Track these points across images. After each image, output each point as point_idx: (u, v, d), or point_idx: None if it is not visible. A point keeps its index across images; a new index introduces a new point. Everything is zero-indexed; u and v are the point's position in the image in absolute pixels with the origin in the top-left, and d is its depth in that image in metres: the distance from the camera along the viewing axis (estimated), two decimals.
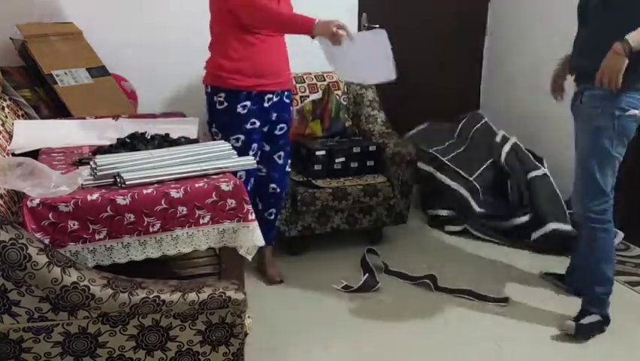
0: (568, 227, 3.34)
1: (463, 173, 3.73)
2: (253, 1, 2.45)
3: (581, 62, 2.50)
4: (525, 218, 3.45)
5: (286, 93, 2.76)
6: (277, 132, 2.78)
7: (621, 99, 2.33)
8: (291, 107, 2.84)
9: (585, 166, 2.47)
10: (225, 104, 2.60)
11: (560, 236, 3.32)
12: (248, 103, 2.61)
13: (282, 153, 2.83)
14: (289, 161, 2.90)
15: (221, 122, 2.64)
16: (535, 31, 4.00)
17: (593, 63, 2.30)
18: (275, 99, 2.70)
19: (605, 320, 2.57)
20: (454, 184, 3.68)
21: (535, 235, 3.39)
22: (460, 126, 4.14)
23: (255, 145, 2.66)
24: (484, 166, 3.84)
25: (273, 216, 2.93)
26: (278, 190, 2.88)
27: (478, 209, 3.57)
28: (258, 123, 2.66)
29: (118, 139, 2.19)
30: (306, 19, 2.41)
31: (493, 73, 4.43)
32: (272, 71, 2.64)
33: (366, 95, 3.66)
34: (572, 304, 2.71)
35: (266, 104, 2.68)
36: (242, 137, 2.62)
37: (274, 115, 2.73)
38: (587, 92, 2.43)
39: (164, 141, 2.22)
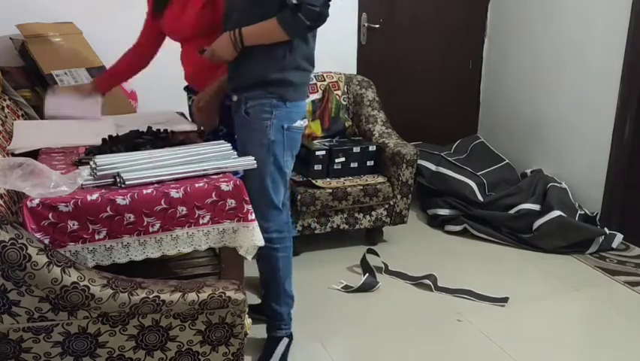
0: (574, 220, 3.38)
1: (469, 169, 3.78)
2: None
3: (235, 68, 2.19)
4: (535, 206, 3.51)
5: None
6: None
7: (289, 111, 2.16)
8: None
9: (261, 187, 2.18)
10: None
11: (564, 226, 3.35)
12: None
13: None
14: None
15: None
16: (537, 36, 4.00)
17: (249, 68, 2.12)
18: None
19: (290, 337, 2.40)
20: (459, 176, 3.72)
21: (538, 223, 3.41)
22: (455, 145, 4.19)
23: None
24: (495, 167, 3.89)
25: None
26: None
27: (481, 199, 3.60)
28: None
29: (103, 139, 2.20)
30: None
31: (492, 76, 4.42)
32: None
33: (366, 95, 3.67)
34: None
35: None
36: None
37: None
38: (252, 103, 2.15)
39: (156, 139, 2.21)
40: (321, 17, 2.05)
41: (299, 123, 2.21)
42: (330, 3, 2.06)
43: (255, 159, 2.05)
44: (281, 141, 2.17)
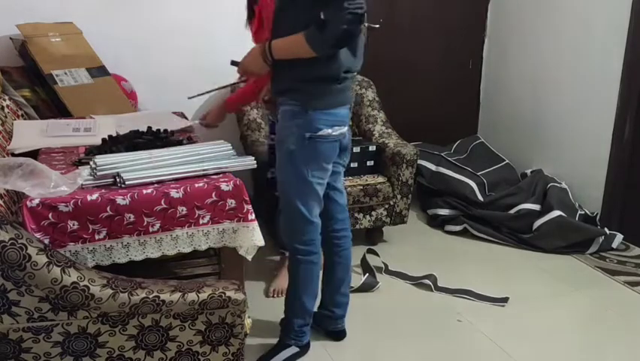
0: (574, 220, 3.38)
1: (469, 169, 3.78)
2: None
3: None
4: (535, 206, 3.51)
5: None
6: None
7: (312, 119, 2.06)
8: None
9: (286, 195, 2.19)
10: None
11: (564, 226, 3.35)
12: None
13: None
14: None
15: None
16: (537, 36, 4.00)
17: (278, 73, 2.10)
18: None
19: (304, 349, 2.38)
20: (460, 176, 3.72)
21: (538, 223, 3.42)
22: (455, 145, 4.19)
23: None
24: (495, 167, 3.89)
25: None
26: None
27: (481, 199, 3.60)
28: None
29: (103, 139, 2.20)
30: None
31: (492, 78, 4.42)
32: None
33: (366, 95, 3.66)
34: None
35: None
36: None
37: None
38: (281, 108, 2.15)
39: (156, 139, 2.21)
40: (348, 36, 1.97)
41: (325, 132, 2.08)
42: (363, 19, 1.94)
43: (278, 167, 2.12)
44: (302, 152, 2.09)
